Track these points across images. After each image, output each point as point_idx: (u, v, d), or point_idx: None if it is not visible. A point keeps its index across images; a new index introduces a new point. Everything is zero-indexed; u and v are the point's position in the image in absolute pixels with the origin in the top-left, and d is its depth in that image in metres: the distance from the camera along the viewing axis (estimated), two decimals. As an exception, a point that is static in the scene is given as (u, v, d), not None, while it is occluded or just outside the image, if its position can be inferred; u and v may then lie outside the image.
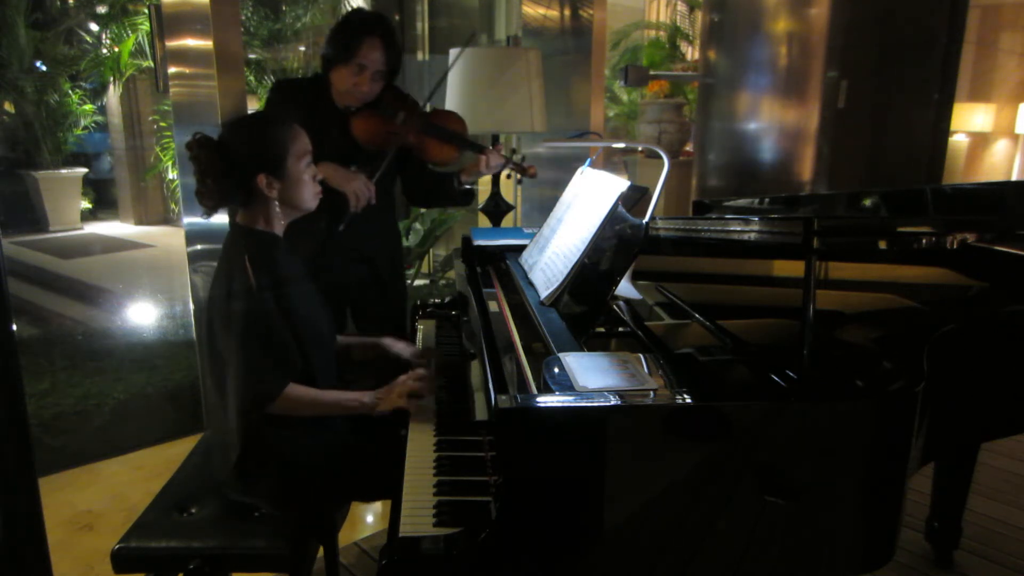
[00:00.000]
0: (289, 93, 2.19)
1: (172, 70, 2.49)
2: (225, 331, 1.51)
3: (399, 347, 1.88)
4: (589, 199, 1.67)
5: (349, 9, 5.66)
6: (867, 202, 2.29)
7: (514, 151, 2.25)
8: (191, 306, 2.71)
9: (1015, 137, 6.07)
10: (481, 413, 1.45)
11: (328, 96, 2.13)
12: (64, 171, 7.49)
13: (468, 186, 2.30)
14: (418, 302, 2.26)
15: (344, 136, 2.11)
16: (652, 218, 1.39)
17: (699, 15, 6.20)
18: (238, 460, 1.56)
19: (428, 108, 2.30)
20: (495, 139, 2.68)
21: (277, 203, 1.56)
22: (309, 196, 1.60)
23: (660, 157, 1.52)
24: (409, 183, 2.36)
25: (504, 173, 2.24)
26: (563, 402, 1.08)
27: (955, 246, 1.63)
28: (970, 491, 2.17)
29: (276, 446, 1.56)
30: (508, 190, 2.37)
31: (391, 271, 2.38)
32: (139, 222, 8.03)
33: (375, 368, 1.96)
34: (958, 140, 6.15)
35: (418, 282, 4.67)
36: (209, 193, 1.53)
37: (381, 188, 2.16)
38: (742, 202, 2.38)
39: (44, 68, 7.21)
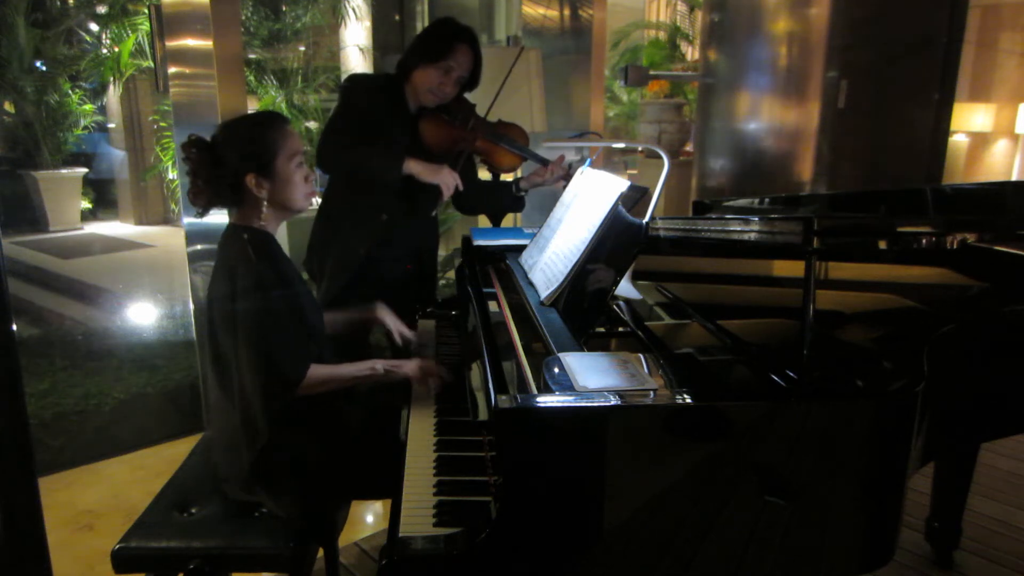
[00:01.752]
0: (364, 86, 2.24)
1: (172, 70, 2.49)
2: (237, 324, 1.51)
3: (390, 319, 1.89)
4: (589, 199, 1.67)
5: (350, 9, 5.66)
6: (867, 202, 2.29)
7: (571, 164, 2.31)
8: (191, 306, 2.71)
9: (1015, 137, 6.07)
10: (481, 413, 1.45)
11: (401, 97, 2.17)
12: (64, 171, 7.48)
13: (523, 193, 2.37)
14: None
15: (411, 137, 2.16)
16: (652, 218, 1.40)
17: (699, 15, 6.20)
18: (239, 459, 1.56)
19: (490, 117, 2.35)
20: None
21: (266, 203, 1.57)
22: (299, 196, 1.61)
23: (660, 157, 1.52)
24: (463, 190, 2.39)
25: (560, 184, 2.31)
26: (563, 402, 1.08)
27: (955, 246, 1.63)
28: (970, 491, 2.17)
29: (277, 445, 1.56)
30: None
31: (431, 268, 2.43)
32: (139, 222, 8.02)
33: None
34: (958, 140, 6.14)
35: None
36: (200, 192, 1.56)
37: (431, 187, 2.22)
38: (742, 202, 2.38)
39: (44, 68, 7.20)
